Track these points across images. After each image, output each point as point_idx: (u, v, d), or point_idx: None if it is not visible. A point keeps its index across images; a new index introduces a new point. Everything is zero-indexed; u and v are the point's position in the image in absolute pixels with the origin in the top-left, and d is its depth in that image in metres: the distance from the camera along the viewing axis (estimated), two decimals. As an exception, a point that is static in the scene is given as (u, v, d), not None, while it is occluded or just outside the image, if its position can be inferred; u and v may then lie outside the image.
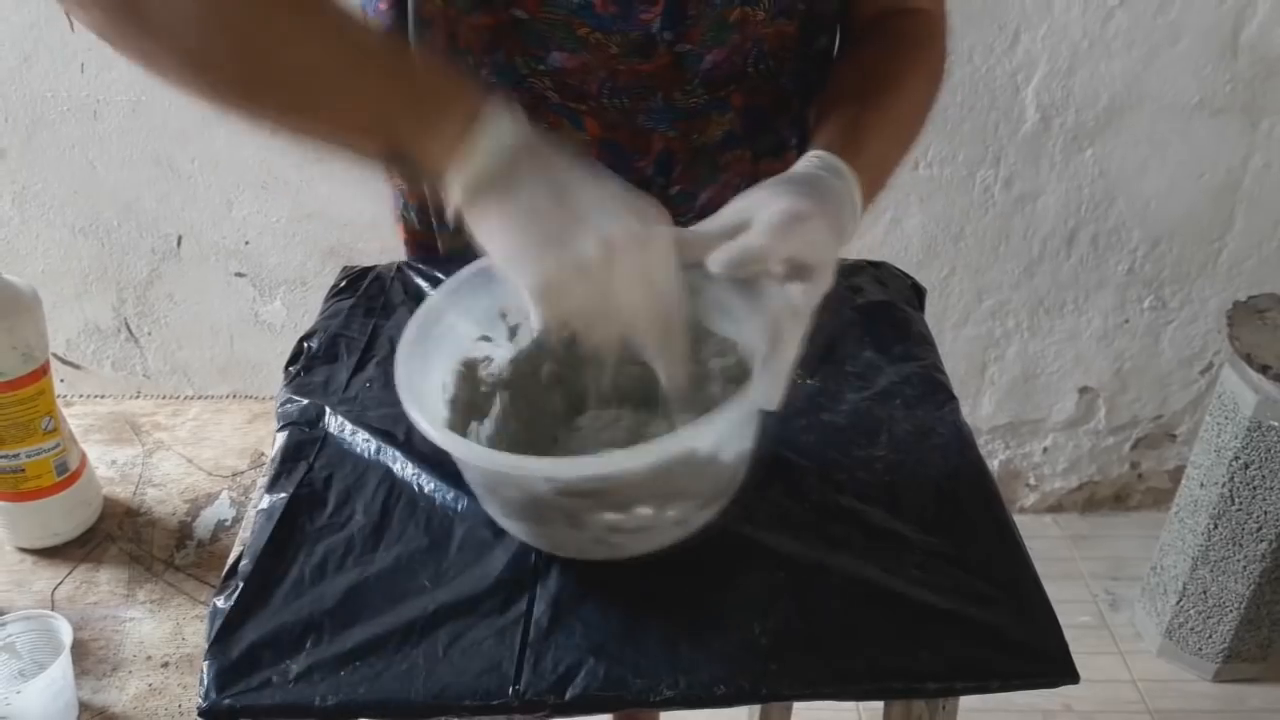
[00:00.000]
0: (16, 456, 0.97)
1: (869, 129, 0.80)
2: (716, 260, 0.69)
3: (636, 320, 0.68)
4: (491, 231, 0.67)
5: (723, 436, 0.69)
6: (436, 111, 0.66)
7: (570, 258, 0.64)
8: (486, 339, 0.81)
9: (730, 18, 0.87)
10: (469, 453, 0.69)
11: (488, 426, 0.79)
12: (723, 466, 0.72)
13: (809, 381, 0.89)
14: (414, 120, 0.66)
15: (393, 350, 0.94)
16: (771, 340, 0.68)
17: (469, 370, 0.80)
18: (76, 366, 2.08)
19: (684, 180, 0.94)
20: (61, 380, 2.03)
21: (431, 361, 0.76)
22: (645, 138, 0.91)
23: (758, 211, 0.70)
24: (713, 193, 0.96)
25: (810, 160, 0.77)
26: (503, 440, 0.78)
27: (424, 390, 0.73)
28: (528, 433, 0.80)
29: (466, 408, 0.79)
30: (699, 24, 0.86)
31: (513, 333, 0.82)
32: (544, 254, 0.65)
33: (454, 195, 0.67)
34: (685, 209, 0.95)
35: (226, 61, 0.66)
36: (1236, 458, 1.69)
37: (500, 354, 0.82)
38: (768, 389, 0.68)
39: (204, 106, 0.68)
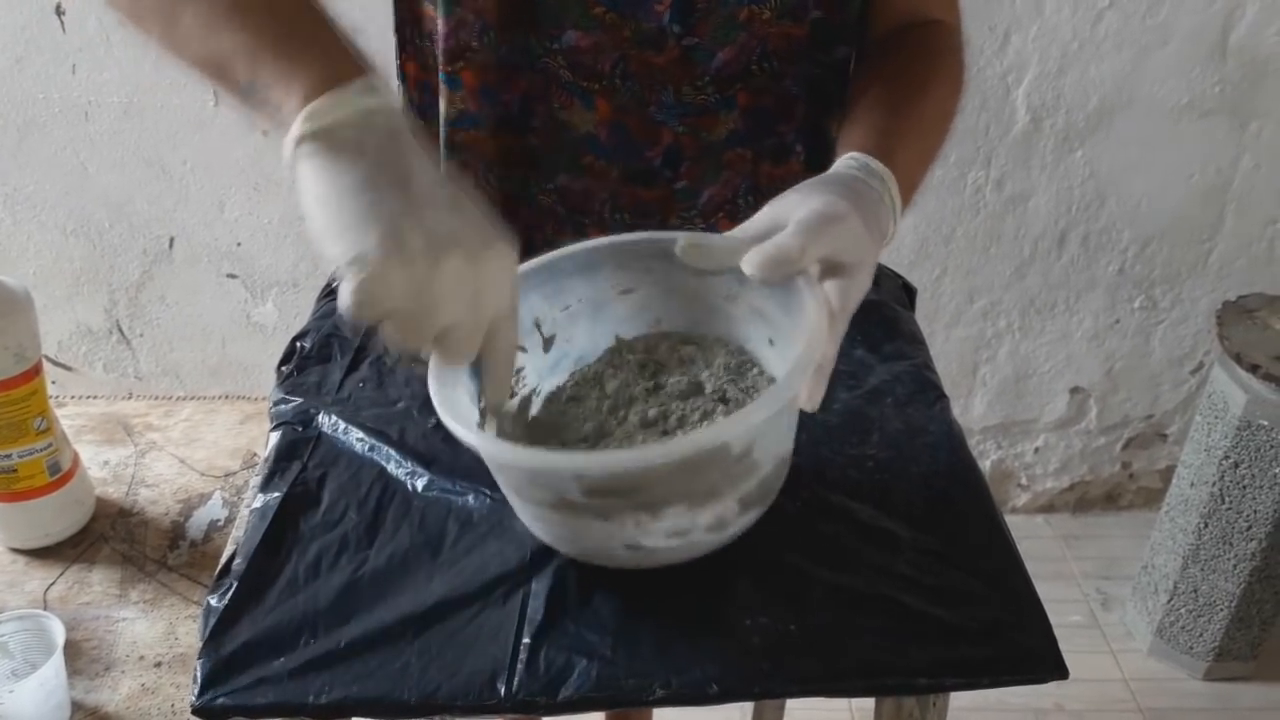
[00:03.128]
0: (9, 457, 0.97)
1: (900, 135, 0.81)
2: (750, 262, 0.69)
3: (452, 333, 0.64)
4: (319, 180, 0.62)
5: (757, 433, 0.67)
6: (319, 57, 0.64)
7: (394, 241, 0.59)
8: (520, 349, 0.80)
9: (740, 16, 0.87)
10: (496, 450, 0.67)
11: (514, 438, 0.78)
12: (759, 467, 0.70)
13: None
14: (292, 56, 0.64)
15: (386, 350, 0.94)
16: (808, 339, 0.66)
17: None
18: (68, 368, 2.07)
19: (689, 176, 0.95)
20: (53, 382, 2.03)
21: (461, 371, 0.75)
22: (655, 130, 0.92)
23: (792, 213, 0.70)
24: (714, 190, 0.96)
25: (846, 162, 0.77)
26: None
27: (455, 396, 0.72)
28: (564, 448, 0.79)
29: (499, 415, 0.78)
30: (708, 19, 0.87)
31: (548, 344, 0.81)
32: (369, 229, 0.59)
33: (293, 132, 0.63)
34: (688, 205, 0.96)
35: None
36: (1226, 457, 1.70)
37: (534, 363, 0.81)
38: (808, 389, 0.68)
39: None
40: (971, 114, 1.82)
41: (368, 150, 0.63)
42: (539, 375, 0.82)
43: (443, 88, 0.90)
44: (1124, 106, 1.82)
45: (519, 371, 0.80)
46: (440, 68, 0.89)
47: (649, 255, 0.78)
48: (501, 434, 0.78)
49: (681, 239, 0.74)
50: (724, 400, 0.78)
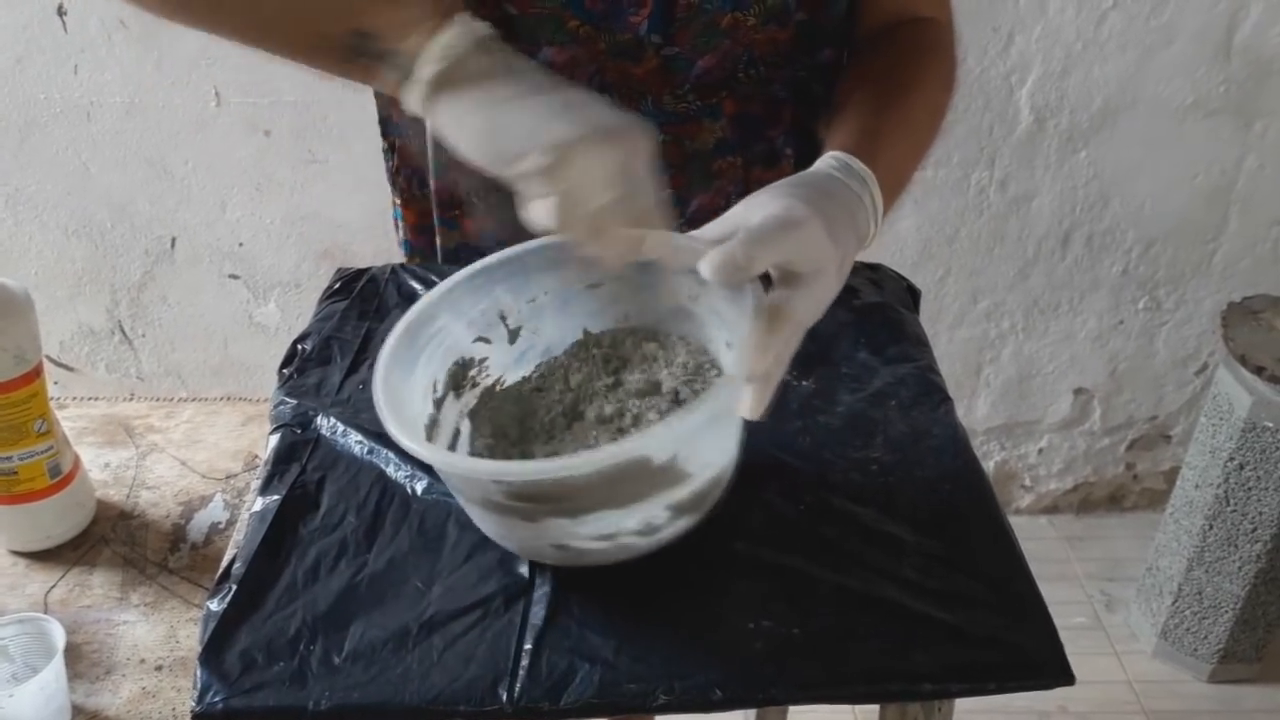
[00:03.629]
0: (9, 459, 0.97)
1: (885, 134, 0.79)
2: (704, 266, 0.67)
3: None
4: (479, 102, 0.66)
5: (679, 445, 0.66)
6: (414, 3, 0.67)
7: (585, 124, 0.64)
8: (484, 340, 0.81)
9: (721, 23, 0.86)
10: (419, 450, 0.67)
11: (475, 429, 0.79)
12: (688, 476, 0.69)
13: (804, 383, 0.89)
14: (389, 7, 0.67)
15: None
16: (738, 353, 0.65)
17: (461, 370, 0.79)
18: (69, 369, 2.07)
19: (675, 185, 0.94)
20: (55, 383, 2.03)
21: (419, 361, 0.75)
22: None
23: (753, 216, 0.69)
24: (704, 200, 0.96)
25: (827, 161, 0.75)
26: (493, 444, 0.78)
27: (407, 389, 0.72)
28: (521, 440, 0.79)
29: (454, 408, 0.79)
30: (688, 28, 0.86)
31: (513, 336, 0.82)
32: (560, 122, 0.64)
33: (425, 72, 0.67)
34: (677, 214, 0.95)
35: None
36: (1231, 459, 1.69)
37: (499, 357, 0.81)
38: (750, 400, 0.66)
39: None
40: (975, 115, 1.81)
41: (511, 69, 0.67)
42: (504, 367, 0.82)
43: None
44: (1128, 107, 1.81)
45: (483, 362, 0.81)
46: None
47: None
48: (470, 416, 0.78)
49: (648, 236, 0.73)
50: (678, 401, 0.78)
